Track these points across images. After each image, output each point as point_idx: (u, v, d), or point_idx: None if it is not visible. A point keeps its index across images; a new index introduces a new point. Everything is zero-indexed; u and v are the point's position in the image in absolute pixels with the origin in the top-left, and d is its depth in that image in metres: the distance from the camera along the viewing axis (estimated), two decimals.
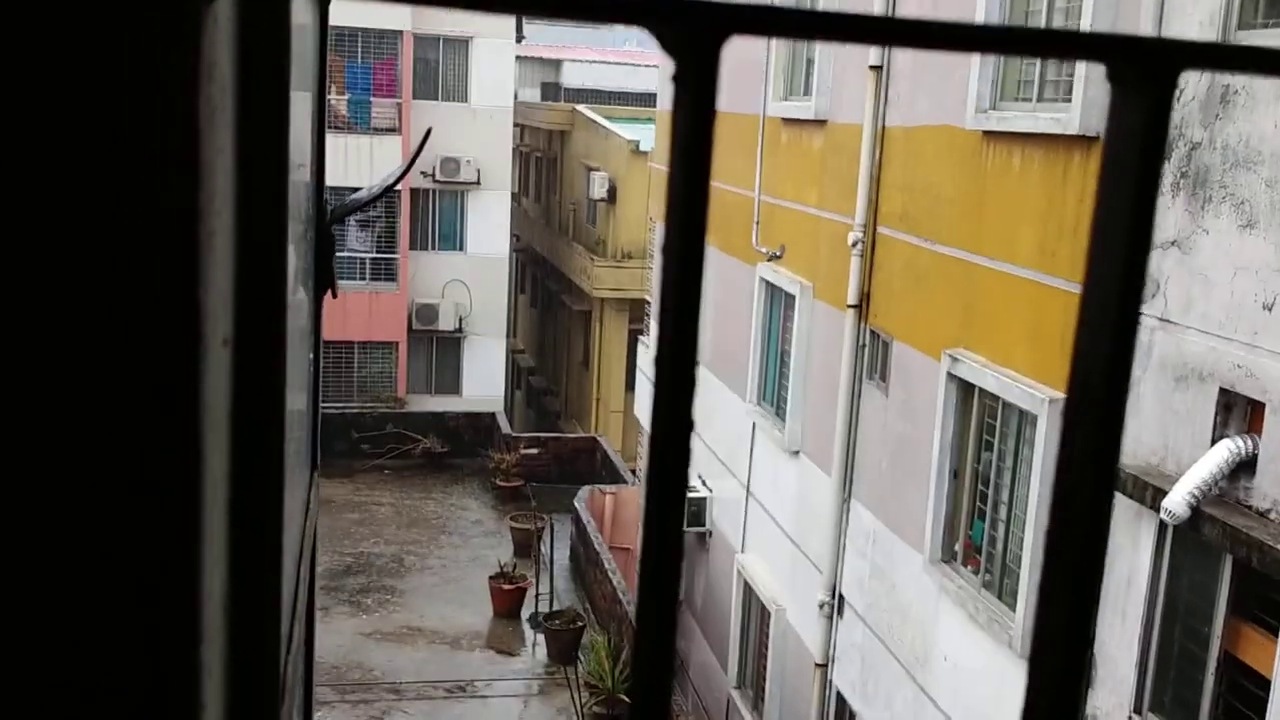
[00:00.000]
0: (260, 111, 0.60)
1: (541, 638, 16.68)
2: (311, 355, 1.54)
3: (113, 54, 0.41)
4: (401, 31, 25.34)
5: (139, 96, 0.42)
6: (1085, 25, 7.31)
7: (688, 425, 0.50)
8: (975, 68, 8.60)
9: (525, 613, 17.50)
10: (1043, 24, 8.06)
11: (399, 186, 25.26)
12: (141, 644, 0.46)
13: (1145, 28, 6.77)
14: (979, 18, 8.53)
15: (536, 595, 17.34)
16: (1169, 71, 0.48)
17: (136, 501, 0.46)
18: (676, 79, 0.46)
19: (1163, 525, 6.39)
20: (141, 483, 0.45)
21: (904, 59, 9.95)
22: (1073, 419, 0.51)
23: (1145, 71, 0.48)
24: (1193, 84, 6.48)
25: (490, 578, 17.73)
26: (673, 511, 0.50)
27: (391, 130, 25.41)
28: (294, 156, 1.37)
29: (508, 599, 17.46)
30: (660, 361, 0.50)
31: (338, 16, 27.05)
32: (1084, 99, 7.32)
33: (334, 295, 1.63)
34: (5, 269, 0.42)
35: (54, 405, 0.44)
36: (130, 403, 0.44)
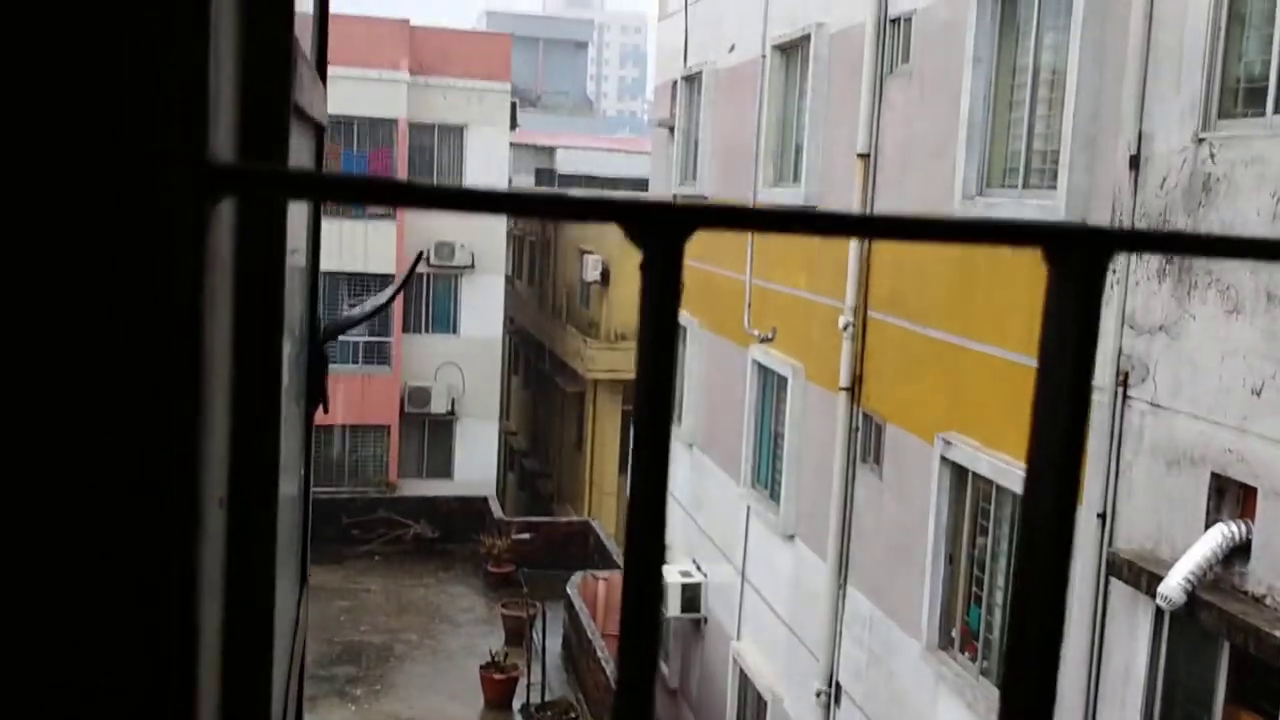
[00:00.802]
0: (257, 294, 0.63)
1: None
2: (302, 472, 1.56)
3: (118, 252, 0.45)
4: (397, 120, 25.73)
5: (143, 292, 0.45)
6: (1068, 118, 7.47)
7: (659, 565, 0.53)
8: (961, 154, 8.76)
9: (517, 703, 17.23)
10: (1025, 119, 8.23)
11: (393, 270, 25.44)
12: None
13: (1127, 119, 6.92)
14: (962, 121, 8.71)
15: (528, 685, 17.10)
16: (1100, 255, 0.52)
17: (132, 658, 0.48)
18: (644, 268, 0.50)
19: (1159, 612, 6.37)
20: (137, 641, 0.48)
21: (891, 146, 10.13)
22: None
23: (1078, 256, 0.52)
24: (1174, 171, 6.61)
25: (481, 667, 17.49)
26: (650, 605, 0.53)
27: (386, 216, 25.66)
28: (292, 273, 1.41)
29: (499, 689, 17.20)
30: (631, 526, 0.53)
31: (334, 105, 27.31)
32: (1069, 186, 7.45)
33: (325, 411, 1.66)
34: (9, 430, 0.45)
35: (52, 570, 0.47)
36: (127, 563, 0.47)
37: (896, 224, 0.50)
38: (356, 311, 2.44)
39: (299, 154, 1.17)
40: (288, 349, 1.32)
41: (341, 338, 25.98)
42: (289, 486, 1.26)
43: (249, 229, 0.65)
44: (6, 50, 0.41)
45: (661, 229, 0.48)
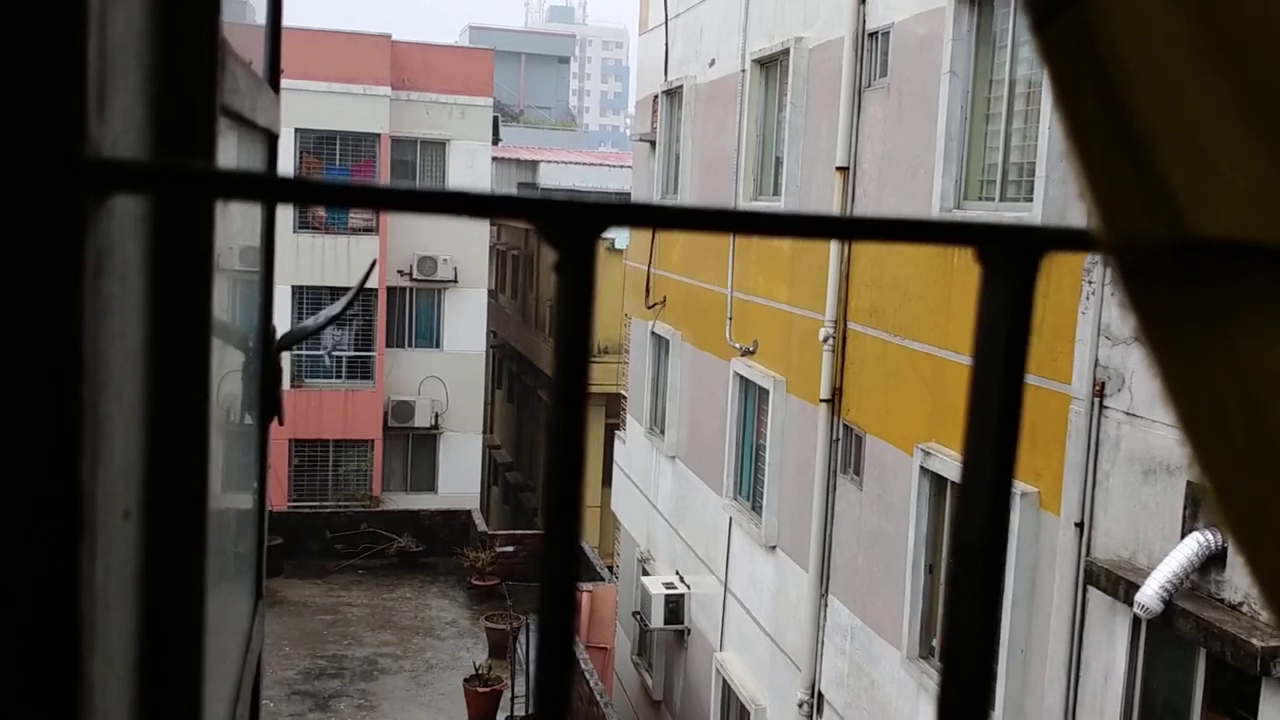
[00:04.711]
0: (180, 299, 0.61)
1: None
2: (257, 484, 1.54)
3: None
4: (379, 134, 25.70)
5: (7, 301, 0.43)
6: (1044, 130, 7.50)
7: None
8: (939, 167, 8.79)
9: (501, 716, 17.15)
10: (1002, 132, 8.26)
11: (375, 285, 25.39)
12: None
13: None
14: (939, 134, 8.74)
15: (512, 698, 17.02)
16: (1032, 255, 0.51)
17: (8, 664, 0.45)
18: (556, 269, 0.48)
19: (1137, 620, 6.37)
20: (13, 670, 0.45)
21: (870, 159, 10.16)
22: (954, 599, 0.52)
23: (1011, 255, 0.51)
24: None
25: (465, 680, 17.41)
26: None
27: (368, 230, 25.61)
28: (241, 278, 1.39)
29: (483, 702, 17.12)
30: (548, 512, 0.51)
31: (316, 120, 27.17)
32: (1046, 198, 7.48)
33: (280, 423, 1.64)
34: None
35: None
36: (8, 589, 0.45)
37: (818, 223, 0.48)
38: (310, 322, 2.44)
39: (244, 160, 1.15)
40: (240, 359, 1.29)
41: (324, 352, 25.91)
42: (238, 499, 1.23)
43: (168, 231, 0.63)
44: None
45: (572, 226, 0.46)
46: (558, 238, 0.47)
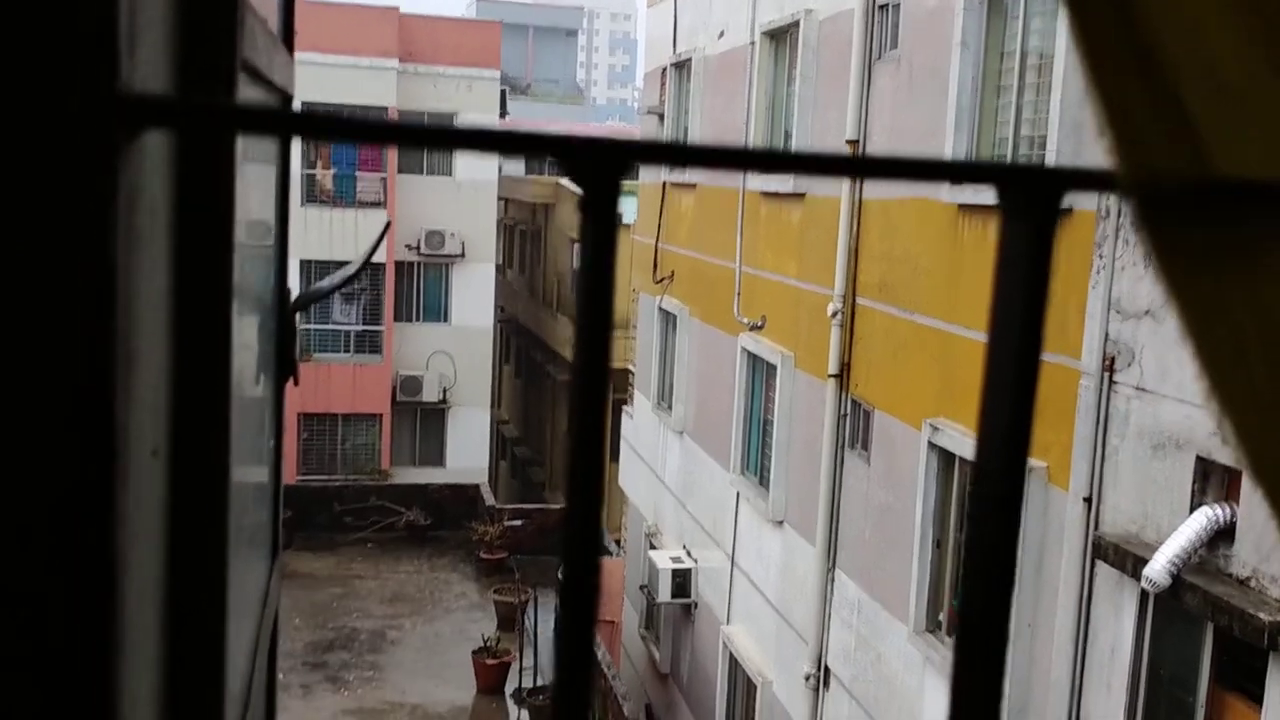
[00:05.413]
0: (201, 230, 0.62)
1: (526, 713, 16.44)
2: (273, 442, 1.55)
3: (19, 189, 0.43)
4: (387, 108, 25.65)
5: (43, 220, 0.43)
6: (1055, 102, 7.46)
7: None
8: (949, 139, 8.75)
9: (509, 688, 17.28)
10: (1013, 104, 8.22)
11: (383, 259, 25.40)
12: None
13: None
14: (950, 106, 8.70)
15: (520, 670, 17.14)
16: (1052, 197, 0.51)
17: (44, 581, 0.46)
18: (582, 206, 0.49)
19: (1144, 594, 6.38)
20: (48, 564, 0.46)
21: (880, 132, 10.12)
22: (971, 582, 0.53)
23: (1030, 197, 0.51)
24: None
25: (474, 652, 17.53)
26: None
27: (377, 204, 25.60)
28: (255, 240, 1.40)
29: (491, 674, 17.24)
30: (572, 472, 0.52)
31: (323, 93, 27.10)
32: None
33: (295, 383, 1.64)
34: None
35: None
36: (35, 522, 0.45)
37: (835, 163, 0.49)
38: (325, 283, 2.46)
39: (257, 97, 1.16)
40: (255, 317, 1.30)
41: (333, 326, 25.95)
42: (254, 454, 1.25)
43: (190, 172, 0.63)
44: None
45: (597, 162, 0.47)
46: (583, 174, 0.47)
